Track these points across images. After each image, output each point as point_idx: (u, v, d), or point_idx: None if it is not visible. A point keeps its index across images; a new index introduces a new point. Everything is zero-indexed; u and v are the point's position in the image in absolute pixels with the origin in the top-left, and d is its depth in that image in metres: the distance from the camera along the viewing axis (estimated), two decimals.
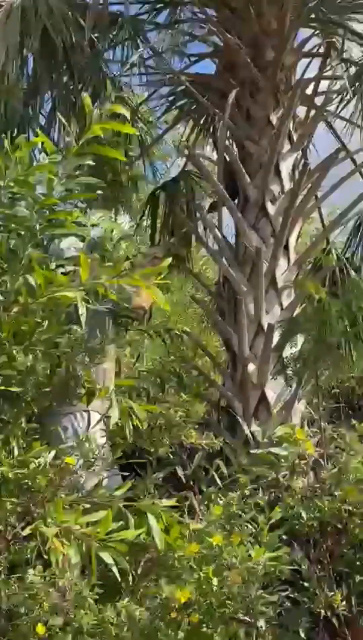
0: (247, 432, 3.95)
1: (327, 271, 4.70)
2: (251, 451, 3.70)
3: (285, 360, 4.25)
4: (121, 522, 2.30)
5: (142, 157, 5.70)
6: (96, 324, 2.77)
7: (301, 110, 5.09)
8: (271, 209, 4.61)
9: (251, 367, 4.28)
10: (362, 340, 3.68)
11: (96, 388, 2.62)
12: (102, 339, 2.70)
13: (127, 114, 2.96)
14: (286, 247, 4.58)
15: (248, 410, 4.19)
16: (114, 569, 2.19)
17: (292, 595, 2.57)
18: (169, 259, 3.13)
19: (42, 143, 2.82)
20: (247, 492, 2.95)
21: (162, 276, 3.16)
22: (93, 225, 3.20)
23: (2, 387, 2.60)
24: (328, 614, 2.63)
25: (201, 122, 5.94)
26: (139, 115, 5.78)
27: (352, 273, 4.76)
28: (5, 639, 2.28)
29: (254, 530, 2.61)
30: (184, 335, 5.50)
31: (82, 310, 2.48)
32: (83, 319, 2.48)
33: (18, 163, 2.65)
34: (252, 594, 2.17)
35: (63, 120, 4.35)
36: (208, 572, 2.13)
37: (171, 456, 3.80)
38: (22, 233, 2.64)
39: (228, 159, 4.84)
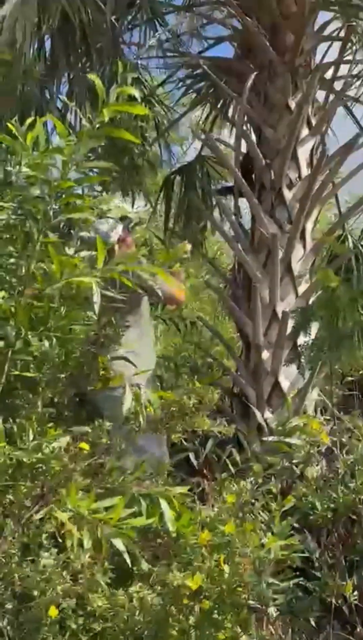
0: (260, 419, 3.95)
1: (343, 259, 4.66)
2: (264, 439, 3.70)
3: (299, 348, 4.24)
4: (134, 509, 2.31)
5: (158, 141, 5.67)
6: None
7: (320, 95, 5.03)
8: (288, 194, 4.57)
9: (265, 354, 4.27)
10: None
11: (110, 375, 2.62)
12: (117, 326, 2.69)
13: (138, 96, 2.92)
14: (303, 234, 4.54)
15: (261, 398, 4.18)
16: (126, 556, 2.20)
17: (303, 584, 2.58)
18: (189, 247, 3.14)
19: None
20: (260, 480, 2.96)
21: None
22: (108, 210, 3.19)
23: (17, 372, 2.62)
24: (339, 602, 2.63)
25: (219, 106, 5.89)
26: (156, 98, 5.74)
27: None
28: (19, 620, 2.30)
29: (266, 518, 2.61)
30: (198, 322, 5.51)
31: (96, 296, 2.48)
32: (97, 306, 2.47)
33: (29, 147, 2.63)
34: (263, 581, 2.18)
35: (76, 104, 4.33)
36: (219, 559, 2.14)
37: (184, 443, 3.81)
38: (38, 217, 2.63)
39: (245, 143, 4.79)
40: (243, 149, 4.91)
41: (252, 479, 2.89)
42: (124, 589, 2.34)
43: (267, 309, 4.37)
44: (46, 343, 2.62)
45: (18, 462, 2.34)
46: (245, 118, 4.83)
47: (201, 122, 6.28)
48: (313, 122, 4.84)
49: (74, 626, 2.36)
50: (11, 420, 2.48)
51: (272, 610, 2.38)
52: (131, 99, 2.79)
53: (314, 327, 4.16)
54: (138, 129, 5.34)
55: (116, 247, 3.01)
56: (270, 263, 4.41)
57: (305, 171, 4.67)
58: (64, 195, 2.68)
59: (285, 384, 4.23)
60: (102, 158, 4.01)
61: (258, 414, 3.95)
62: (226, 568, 2.13)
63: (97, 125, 2.60)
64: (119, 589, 2.36)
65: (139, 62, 5.31)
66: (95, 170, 3.13)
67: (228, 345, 4.99)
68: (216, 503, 2.78)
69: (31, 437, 2.43)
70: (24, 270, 2.64)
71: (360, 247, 4.94)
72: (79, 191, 2.97)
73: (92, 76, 2.62)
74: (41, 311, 2.64)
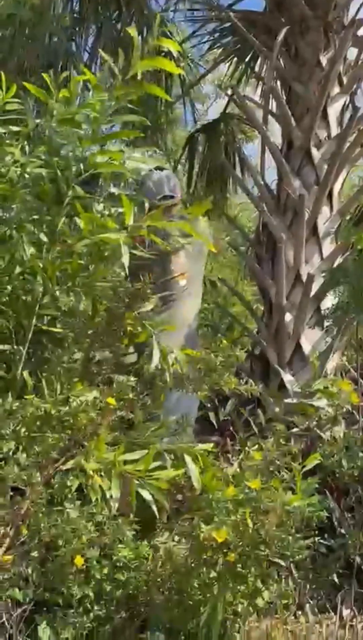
0: (285, 380, 3.95)
1: None
2: (286, 400, 3.71)
3: (323, 311, 4.22)
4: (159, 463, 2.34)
5: (183, 97, 5.56)
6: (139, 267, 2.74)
7: (352, 52, 4.89)
8: (316, 154, 4.48)
9: (288, 316, 4.25)
10: None
11: (137, 330, 2.62)
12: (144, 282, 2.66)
13: (175, 51, 2.83)
14: (330, 195, 4.47)
15: (282, 360, 4.17)
16: (153, 506, 2.24)
17: (325, 542, 2.61)
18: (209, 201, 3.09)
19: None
20: (282, 441, 2.98)
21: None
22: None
23: (45, 327, 2.64)
24: (358, 560, 2.67)
25: (246, 61, 5.75)
26: (182, 53, 5.61)
27: None
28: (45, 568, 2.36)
29: (288, 477, 2.63)
30: (220, 283, 5.49)
31: (125, 252, 2.46)
32: (126, 261, 2.45)
33: (63, 101, 2.58)
34: (287, 537, 2.21)
35: (106, 57, 4.23)
36: (245, 514, 2.16)
37: (203, 403, 3.84)
38: (67, 171, 2.59)
39: (273, 100, 4.69)
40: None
41: (274, 438, 2.91)
42: (148, 540, 2.38)
43: (291, 270, 4.32)
44: (73, 298, 2.63)
45: (46, 414, 2.37)
46: (274, 74, 4.72)
47: (227, 78, 6.14)
48: (345, 80, 4.71)
49: (98, 576, 2.42)
50: (39, 374, 2.50)
51: (293, 566, 2.43)
52: (158, 53, 2.72)
53: (340, 290, 4.13)
54: (162, 85, 5.25)
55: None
56: (296, 224, 4.35)
57: (335, 130, 4.56)
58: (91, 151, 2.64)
59: (306, 346, 4.22)
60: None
61: (282, 373, 3.94)
62: (250, 523, 2.16)
63: (127, 79, 2.53)
64: (144, 540, 2.41)
65: (166, 14, 5.17)
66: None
67: (249, 306, 4.98)
68: (238, 461, 2.81)
69: (59, 391, 2.45)
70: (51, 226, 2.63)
71: None
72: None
73: (131, 30, 2.54)
74: (69, 267, 2.63)
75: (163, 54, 4.70)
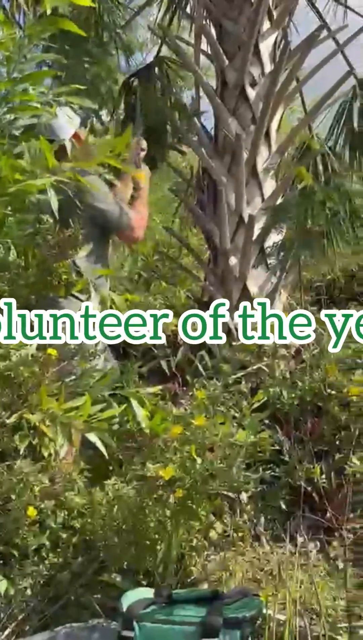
0: (231, 324, 3.96)
1: (308, 160, 4.57)
2: (234, 343, 3.74)
3: (267, 249, 4.22)
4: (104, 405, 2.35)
5: (114, 41, 5.36)
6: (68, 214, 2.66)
7: None
8: (251, 93, 4.40)
9: (233, 260, 4.24)
10: (348, 227, 3.64)
11: (73, 280, 2.58)
12: (75, 230, 2.60)
13: None
14: (268, 134, 4.41)
15: (230, 304, 4.18)
16: (102, 448, 2.24)
17: (274, 473, 2.66)
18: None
19: None
20: (230, 381, 3.01)
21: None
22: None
23: None
24: (309, 489, 2.73)
25: (177, 1, 5.57)
26: None
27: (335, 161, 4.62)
28: None
29: (237, 415, 2.67)
30: (166, 233, 5.44)
31: (52, 198, 2.38)
32: (55, 206, 2.37)
33: None
34: (234, 470, 2.24)
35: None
36: (190, 451, 2.19)
37: (155, 350, 3.85)
38: None
39: (205, 40, 4.57)
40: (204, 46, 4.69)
41: (222, 380, 2.94)
42: (100, 485, 2.40)
43: (233, 213, 4.29)
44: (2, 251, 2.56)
45: None
46: (204, 12, 4.59)
47: (158, 21, 5.95)
48: (275, 14, 4.61)
49: (53, 525, 2.44)
50: None
51: (244, 498, 2.47)
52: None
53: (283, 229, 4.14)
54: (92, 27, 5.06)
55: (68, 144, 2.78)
56: (235, 165, 4.30)
57: (269, 67, 4.48)
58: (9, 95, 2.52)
59: (253, 289, 4.23)
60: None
61: (227, 318, 3.95)
62: (198, 459, 2.18)
63: (40, 16, 2.42)
64: (96, 487, 2.42)
65: None
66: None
67: (194, 253, 4.96)
68: (188, 404, 2.84)
69: None
70: None
71: (327, 148, 4.83)
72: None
73: None
74: None
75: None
